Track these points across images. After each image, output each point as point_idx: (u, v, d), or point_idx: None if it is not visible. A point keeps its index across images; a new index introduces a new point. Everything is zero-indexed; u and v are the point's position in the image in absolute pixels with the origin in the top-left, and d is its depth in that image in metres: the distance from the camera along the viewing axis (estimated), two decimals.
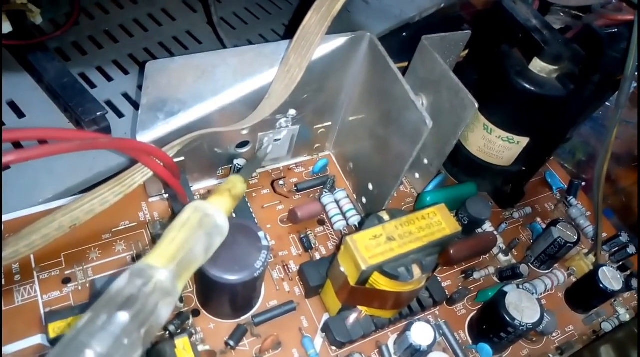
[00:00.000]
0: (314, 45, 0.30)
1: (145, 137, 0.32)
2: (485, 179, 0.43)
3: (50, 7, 0.51)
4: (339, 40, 0.34)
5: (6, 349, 0.30)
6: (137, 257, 0.35)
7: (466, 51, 0.42)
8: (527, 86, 0.36)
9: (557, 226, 0.38)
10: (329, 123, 0.40)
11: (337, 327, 0.33)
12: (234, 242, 0.30)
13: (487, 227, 0.41)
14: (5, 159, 0.23)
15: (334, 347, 0.34)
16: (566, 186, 0.46)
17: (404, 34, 0.60)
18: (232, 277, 0.29)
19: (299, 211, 0.37)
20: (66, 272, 0.34)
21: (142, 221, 0.37)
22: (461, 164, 0.43)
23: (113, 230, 0.36)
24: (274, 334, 0.33)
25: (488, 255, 0.40)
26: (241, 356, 0.32)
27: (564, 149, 0.49)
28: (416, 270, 0.30)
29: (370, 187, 0.38)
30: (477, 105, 0.34)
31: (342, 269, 0.30)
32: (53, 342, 0.26)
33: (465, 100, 0.34)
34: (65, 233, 0.34)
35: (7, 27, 0.43)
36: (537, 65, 0.36)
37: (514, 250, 0.41)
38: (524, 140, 0.39)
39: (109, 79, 0.46)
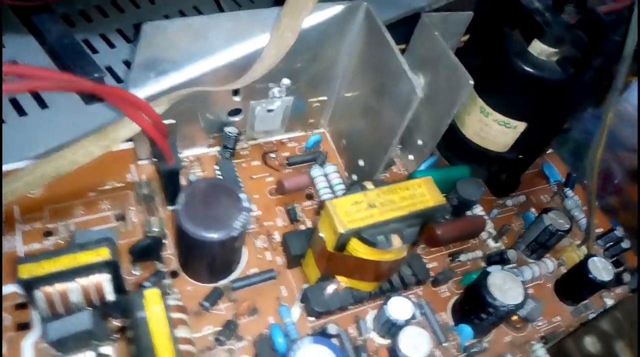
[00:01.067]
0: (307, 8, 0.30)
1: (136, 94, 0.32)
2: (480, 165, 0.42)
3: None
4: (335, 8, 0.33)
5: None
6: (120, 217, 0.35)
7: (467, 36, 0.42)
8: (526, 68, 0.35)
9: (549, 213, 0.37)
10: (324, 97, 0.40)
11: (315, 296, 0.32)
12: (215, 202, 0.30)
13: (478, 211, 0.40)
14: None
15: (311, 318, 0.33)
16: (564, 180, 0.45)
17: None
18: (209, 235, 0.29)
19: (286, 181, 0.37)
20: (49, 226, 0.34)
21: (129, 182, 0.37)
22: (456, 148, 0.43)
23: (99, 188, 0.36)
24: (251, 300, 0.33)
25: (477, 240, 0.40)
26: (215, 319, 0.32)
27: (565, 141, 0.48)
28: (396, 240, 0.29)
29: (361, 163, 0.38)
30: (472, 82, 0.33)
31: (320, 234, 0.30)
32: (23, 283, 0.26)
33: (462, 78, 0.34)
34: (47, 182, 0.34)
35: None
36: (537, 47, 0.36)
37: (504, 237, 0.40)
38: (521, 126, 0.38)
39: (112, 46, 0.47)
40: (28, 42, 0.44)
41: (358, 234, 0.28)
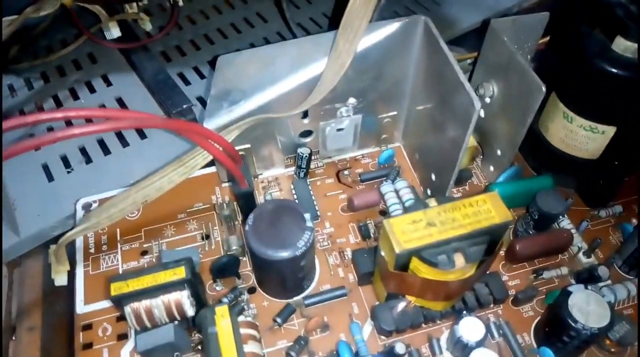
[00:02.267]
0: (361, 30, 0.31)
1: (211, 124, 0.35)
2: (569, 174, 0.39)
3: (161, 14, 0.57)
4: (393, 26, 0.33)
5: (86, 308, 0.35)
6: (206, 237, 0.38)
7: (547, 37, 0.39)
8: (609, 68, 0.32)
9: None
10: (394, 112, 0.40)
11: (383, 314, 0.32)
12: (281, 222, 0.32)
13: (566, 224, 0.37)
14: (81, 131, 0.26)
15: (382, 337, 0.33)
16: None
17: None
18: (275, 254, 0.30)
19: (355, 198, 0.38)
20: (144, 246, 0.38)
21: (214, 204, 0.40)
22: (543, 157, 0.40)
23: (188, 210, 0.40)
24: (321, 316, 0.34)
25: (567, 255, 0.37)
26: (288, 334, 0.33)
27: None
28: (459, 259, 0.28)
29: (433, 177, 0.37)
30: (544, 88, 0.31)
31: (382, 253, 0.30)
32: (113, 299, 0.30)
33: (532, 84, 0.32)
34: (138, 208, 0.38)
35: (116, 33, 0.49)
36: (621, 44, 0.33)
37: (598, 251, 0.37)
38: (610, 130, 0.35)
39: (202, 76, 0.51)
40: (131, 79, 0.50)
41: (417, 253, 0.28)
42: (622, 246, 0.36)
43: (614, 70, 0.32)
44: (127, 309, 0.30)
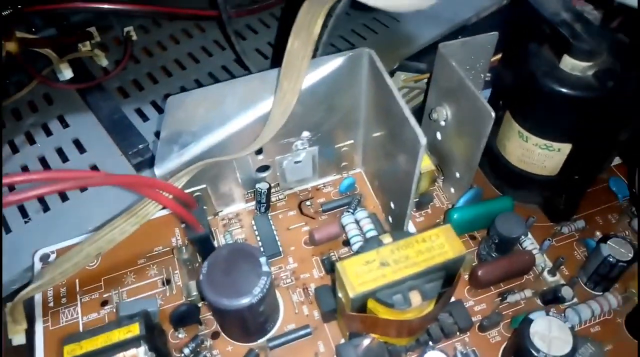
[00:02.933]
0: (303, 70, 0.30)
1: (162, 169, 0.34)
2: (531, 191, 0.39)
3: (117, 48, 0.56)
4: (338, 60, 0.33)
5: None
6: (167, 282, 0.37)
7: (499, 55, 0.39)
8: (557, 87, 0.32)
9: (608, 242, 0.33)
10: (351, 141, 0.39)
11: (347, 353, 0.32)
12: (236, 268, 0.31)
13: (528, 243, 0.37)
14: (23, 196, 0.26)
15: None
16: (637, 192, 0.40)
17: (460, 37, 0.57)
18: (229, 303, 0.30)
19: (316, 233, 0.37)
20: (104, 295, 0.37)
21: (173, 247, 0.39)
22: (503, 175, 0.40)
23: (148, 255, 0.39)
24: None
25: (532, 275, 0.36)
26: None
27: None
28: (415, 297, 0.28)
29: (392, 205, 0.37)
30: (493, 114, 0.31)
31: (339, 295, 0.29)
32: None
33: (482, 110, 0.32)
34: (92, 261, 0.37)
35: (68, 74, 0.48)
36: (568, 63, 0.32)
37: (563, 269, 0.36)
38: (566, 147, 0.35)
39: (161, 111, 0.50)
40: (88, 119, 0.49)
41: (372, 295, 0.28)
42: (586, 261, 0.36)
43: (562, 89, 0.32)
44: None
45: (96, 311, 0.36)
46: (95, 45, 0.53)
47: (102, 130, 0.48)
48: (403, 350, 0.32)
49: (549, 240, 0.37)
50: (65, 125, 0.49)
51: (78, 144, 0.47)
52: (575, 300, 0.35)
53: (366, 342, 0.32)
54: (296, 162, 0.39)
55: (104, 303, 0.36)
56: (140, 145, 0.44)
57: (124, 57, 0.52)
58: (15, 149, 0.48)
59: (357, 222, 0.38)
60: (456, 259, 0.28)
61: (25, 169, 0.46)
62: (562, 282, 0.36)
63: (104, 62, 0.54)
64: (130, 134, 0.45)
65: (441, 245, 0.28)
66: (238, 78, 0.36)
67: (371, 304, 0.28)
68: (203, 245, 0.35)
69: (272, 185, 0.40)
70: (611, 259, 0.33)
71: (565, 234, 0.38)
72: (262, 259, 0.31)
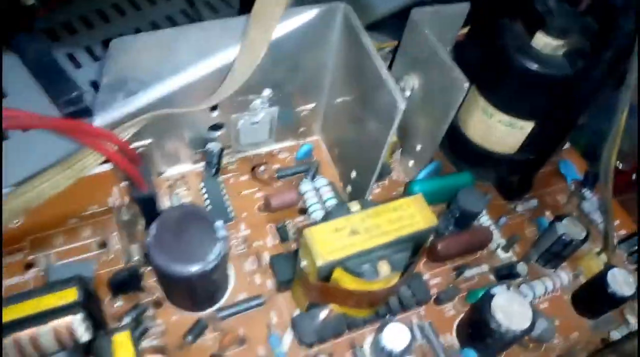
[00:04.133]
0: (275, 19, 0.28)
1: (104, 119, 0.30)
2: (488, 168, 0.39)
3: None
4: (310, 13, 0.31)
5: None
6: (102, 245, 0.34)
7: (467, 28, 0.38)
8: (528, 64, 0.32)
9: (563, 221, 0.34)
10: (313, 104, 0.37)
11: (305, 324, 0.30)
12: (189, 231, 0.28)
13: (485, 220, 0.37)
14: None
15: (304, 347, 0.31)
16: (582, 177, 0.41)
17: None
18: (180, 269, 0.27)
19: (273, 199, 0.35)
20: (29, 257, 0.33)
21: (111, 207, 0.35)
22: (462, 151, 0.39)
23: (81, 214, 0.35)
24: (236, 330, 0.31)
25: (486, 251, 0.37)
26: (200, 352, 0.30)
27: (583, 134, 0.44)
28: (383, 267, 0.27)
29: (353, 174, 0.35)
30: (467, 84, 0.30)
31: (302, 263, 0.27)
32: None
33: (456, 80, 0.31)
34: (16, 218, 0.33)
35: None
36: (541, 41, 0.32)
37: (515, 246, 0.37)
38: (528, 126, 0.35)
39: (96, 58, 0.45)
40: (11, 61, 0.43)
41: (341, 264, 0.26)
42: (537, 240, 0.36)
43: (533, 66, 0.32)
44: (7, 341, 0.25)
45: (20, 273, 0.32)
46: None
47: (27, 75, 0.42)
48: (361, 322, 0.31)
49: (506, 217, 0.37)
50: None
51: None
52: (525, 277, 0.35)
53: (324, 313, 0.31)
54: (253, 123, 0.36)
55: (29, 266, 0.32)
56: (74, 93, 0.39)
57: None
58: None
59: (316, 190, 0.36)
60: (427, 229, 0.27)
61: None
62: (515, 258, 0.36)
63: (29, 1, 0.47)
64: (61, 80, 0.40)
65: (412, 215, 0.27)
66: (193, 24, 0.33)
67: (337, 273, 0.27)
68: (148, 206, 0.32)
69: (224, 146, 0.37)
70: (565, 238, 0.33)
71: (519, 212, 0.39)
72: (218, 223, 0.29)
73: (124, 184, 0.36)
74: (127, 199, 0.36)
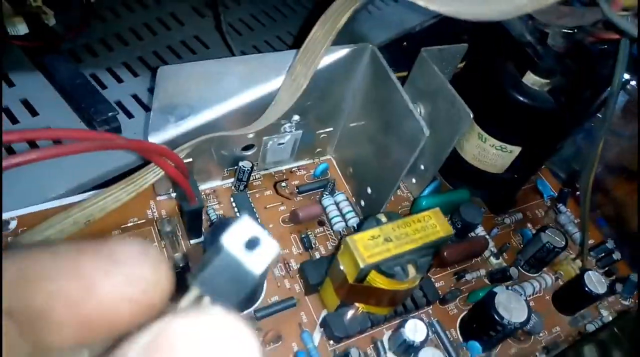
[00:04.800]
0: (319, 57, 0.32)
1: (157, 138, 0.34)
2: (478, 185, 0.45)
3: (63, 9, 0.52)
4: (342, 51, 0.35)
5: None
6: None
7: (463, 63, 0.44)
8: (521, 99, 0.38)
9: (546, 231, 0.40)
10: (331, 129, 0.42)
11: (335, 322, 0.34)
12: None
13: (480, 231, 0.43)
14: (23, 158, 0.24)
15: (331, 342, 0.35)
16: (557, 194, 0.48)
17: (405, 43, 0.62)
18: None
19: (300, 211, 0.39)
20: None
21: (149, 218, 0.39)
22: (456, 170, 0.45)
23: (122, 226, 0.38)
24: (274, 328, 0.35)
25: (480, 258, 0.42)
26: None
27: (559, 157, 0.50)
28: (411, 270, 0.32)
29: (369, 191, 0.40)
30: (472, 115, 0.36)
31: (341, 267, 0.32)
32: None
33: (461, 111, 0.36)
34: (80, 229, 0.36)
35: (23, 29, 0.45)
36: (530, 79, 0.38)
37: (504, 254, 0.43)
38: (516, 150, 0.41)
39: (119, 80, 0.48)
40: (38, 81, 0.46)
41: (377, 267, 0.31)
42: (523, 248, 0.42)
43: (525, 100, 0.38)
44: None
45: None
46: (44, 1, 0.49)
47: (54, 94, 0.45)
48: (382, 319, 0.36)
49: (497, 228, 0.43)
50: (10, 84, 0.45)
51: (28, 105, 0.44)
52: (516, 280, 0.41)
53: (351, 312, 0.35)
54: (279, 144, 0.40)
55: None
56: (109, 113, 0.42)
57: (83, 18, 0.49)
58: None
59: (336, 204, 0.41)
60: (446, 237, 0.32)
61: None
62: (504, 264, 0.42)
63: (52, 22, 0.50)
64: (95, 100, 0.43)
65: (433, 225, 0.32)
66: (232, 58, 0.37)
67: (372, 275, 0.31)
68: (195, 218, 0.35)
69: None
70: (549, 245, 0.39)
71: (507, 224, 0.45)
72: (266, 232, 0.33)
73: (160, 197, 0.40)
74: (164, 211, 0.39)
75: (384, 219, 0.33)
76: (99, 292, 0.12)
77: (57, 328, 0.12)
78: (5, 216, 0.37)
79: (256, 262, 0.14)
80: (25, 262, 0.12)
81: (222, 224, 0.32)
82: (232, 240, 0.14)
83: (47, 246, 0.12)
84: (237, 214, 0.40)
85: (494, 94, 0.39)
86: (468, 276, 0.40)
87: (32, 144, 0.40)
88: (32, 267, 0.12)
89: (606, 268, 0.44)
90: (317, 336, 0.36)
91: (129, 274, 0.12)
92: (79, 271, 0.12)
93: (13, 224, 0.37)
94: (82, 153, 0.26)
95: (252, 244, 0.14)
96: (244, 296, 0.15)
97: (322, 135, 0.42)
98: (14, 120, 0.43)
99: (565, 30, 0.35)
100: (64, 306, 0.12)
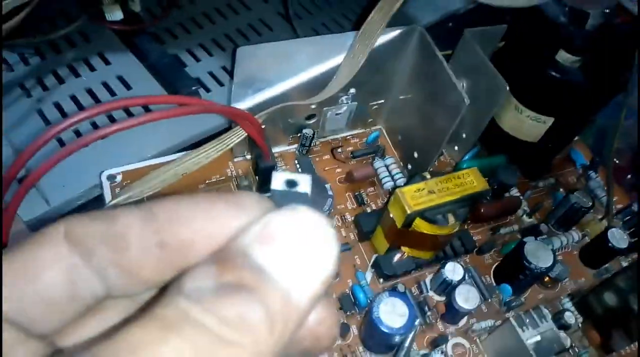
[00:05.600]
0: (375, 37, 0.38)
1: (238, 106, 0.40)
2: (515, 153, 0.50)
3: None
4: (395, 32, 0.41)
5: None
6: None
7: (503, 42, 0.49)
8: (554, 74, 0.42)
9: (575, 193, 0.45)
10: (382, 101, 0.48)
11: (385, 263, 0.41)
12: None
13: (514, 192, 0.48)
14: (129, 123, 0.31)
15: (381, 280, 0.42)
16: (588, 162, 0.52)
17: (450, 24, 0.67)
18: None
19: (355, 172, 0.45)
20: None
21: (228, 176, 0.46)
22: (494, 139, 0.50)
23: (207, 181, 0.45)
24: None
25: (514, 216, 0.47)
26: None
27: (591, 128, 0.54)
28: (450, 218, 0.37)
29: (415, 155, 0.46)
30: (507, 88, 0.41)
31: (391, 215, 0.38)
32: None
33: (499, 85, 0.41)
34: (177, 180, 0.43)
35: (118, 14, 0.52)
36: (563, 56, 0.43)
37: (537, 213, 0.48)
38: (550, 120, 0.46)
39: (197, 59, 0.55)
40: (129, 58, 0.53)
41: (422, 214, 0.37)
42: (554, 209, 0.47)
43: (557, 76, 0.42)
44: None
45: None
46: None
47: (144, 71, 0.53)
48: (425, 262, 0.42)
49: (531, 191, 0.48)
50: (106, 63, 0.53)
51: (124, 82, 0.52)
52: (546, 236, 0.46)
53: (398, 255, 0.41)
54: (337, 114, 0.47)
55: None
56: (193, 88, 0.49)
57: (168, 3, 0.56)
58: (61, 80, 0.51)
59: (386, 166, 0.47)
60: (482, 191, 0.38)
61: (74, 98, 0.50)
62: (536, 222, 0.47)
63: (137, 8, 0.57)
64: (181, 76, 0.50)
65: (471, 181, 0.38)
66: (302, 38, 0.44)
67: (417, 222, 0.37)
68: (268, 173, 0.42)
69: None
70: (576, 205, 0.44)
71: (540, 187, 0.50)
72: (327, 185, 0.39)
73: (237, 158, 0.47)
74: (240, 170, 0.46)
75: (428, 176, 0.39)
76: (230, 230, 0.14)
77: (196, 257, 0.14)
78: (112, 171, 0.45)
79: (302, 186, 0.18)
80: (172, 205, 0.14)
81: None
82: (277, 185, 0.18)
83: (186, 195, 0.15)
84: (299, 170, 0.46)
85: (530, 69, 0.44)
86: (502, 231, 0.45)
87: (128, 113, 0.48)
88: (181, 210, 0.14)
89: (632, 229, 0.48)
90: (369, 275, 0.42)
91: (251, 216, 0.14)
92: (215, 214, 0.14)
93: (119, 178, 0.45)
94: (185, 115, 0.33)
95: (291, 184, 0.18)
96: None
97: (374, 107, 0.48)
98: (112, 93, 0.51)
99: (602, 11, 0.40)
100: (203, 239, 0.14)
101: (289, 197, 0.18)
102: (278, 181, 0.18)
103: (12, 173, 0.30)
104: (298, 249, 0.14)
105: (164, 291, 0.14)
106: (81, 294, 0.14)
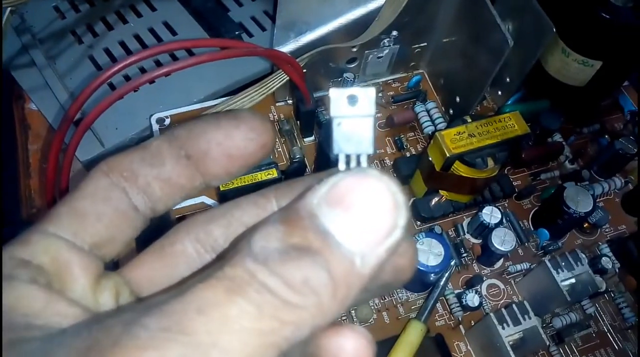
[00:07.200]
0: None
1: (280, 50, 0.41)
2: (560, 98, 0.49)
3: None
4: None
5: None
6: None
7: None
8: (605, 15, 0.41)
9: (620, 139, 0.44)
10: (425, 43, 0.47)
11: (423, 205, 0.42)
12: None
13: (557, 138, 0.47)
14: (177, 66, 0.32)
15: (418, 222, 0.43)
16: (637, 108, 0.51)
17: None
18: None
19: (395, 116, 0.46)
20: None
21: (271, 120, 0.47)
22: (539, 84, 0.49)
23: None
24: None
25: (556, 162, 0.47)
26: None
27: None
28: (490, 161, 0.38)
29: (457, 99, 0.46)
30: (554, 29, 0.40)
31: (430, 158, 0.39)
32: (222, 194, 0.37)
33: (545, 26, 0.40)
34: None
35: None
36: None
37: (579, 159, 0.47)
38: (597, 64, 0.44)
39: (240, 4, 0.56)
40: (174, 5, 0.54)
41: (461, 157, 0.37)
42: (598, 155, 0.46)
43: (608, 17, 0.41)
44: None
45: None
46: None
47: (188, 16, 0.53)
48: (462, 206, 0.43)
49: (574, 136, 0.47)
50: (152, 9, 0.54)
51: (169, 27, 0.53)
52: (587, 182, 0.46)
53: (436, 198, 0.42)
54: (378, 57, 0.47)
55: None
56: (237, 32, 0.50)
57: None
58: (109, 26, 0.53)
59: (427, 111, 0.47)
60: (523, 135, 0.38)
61: (122, 44, 0.52)
62: (577, 168, 0.47)
63: None
64: (224, 21, 0.51)
65: (512, 125, 0.38)
66: None
67: (456, 165, 0.38)
68: (310, 118, 0.43)
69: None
70: (621, 151, 0.44)
71: (585, 133, 0.49)
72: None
73: (278, 103, 0.48)
74: (282, 114, 0.47)
75: (469, 119, 0.39)
76: (234, 137, 0.17)
77: (214, 163, 0.17)
78: (161, 114, 0.47)
79: (365, 107, 0.15)
80: (190, 126, 0.17)
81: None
82: (337, 109, 0.15)
83: (198, 117, 0.18)
84: None
85: (579, 10, 0.42)
86: (543, 176, 0.45)
87: (174, 59, 0.49)
88: (195, 128, 0.17)
89: None
90: None
91: (250, 125, 0.17)
92: (220, 125, 0.17)
93: (167, 121, 0.46)
94: (230, 58, 0.34)
95: (352, 100, 0.15)
96: (371, 140, 0.16)
97: (416, 50, 0.48)
98: (158, 38, 0.52)
99: None
100: (216, 146, 0.17)
101: (350, 127, 0.15)
102: (338, 100, 0.15)
103: (71, 114, 0.32)
104: (366, 215, 0.13)
105: (233, 244, 0.17)
106: (131, 215, 0.17)
